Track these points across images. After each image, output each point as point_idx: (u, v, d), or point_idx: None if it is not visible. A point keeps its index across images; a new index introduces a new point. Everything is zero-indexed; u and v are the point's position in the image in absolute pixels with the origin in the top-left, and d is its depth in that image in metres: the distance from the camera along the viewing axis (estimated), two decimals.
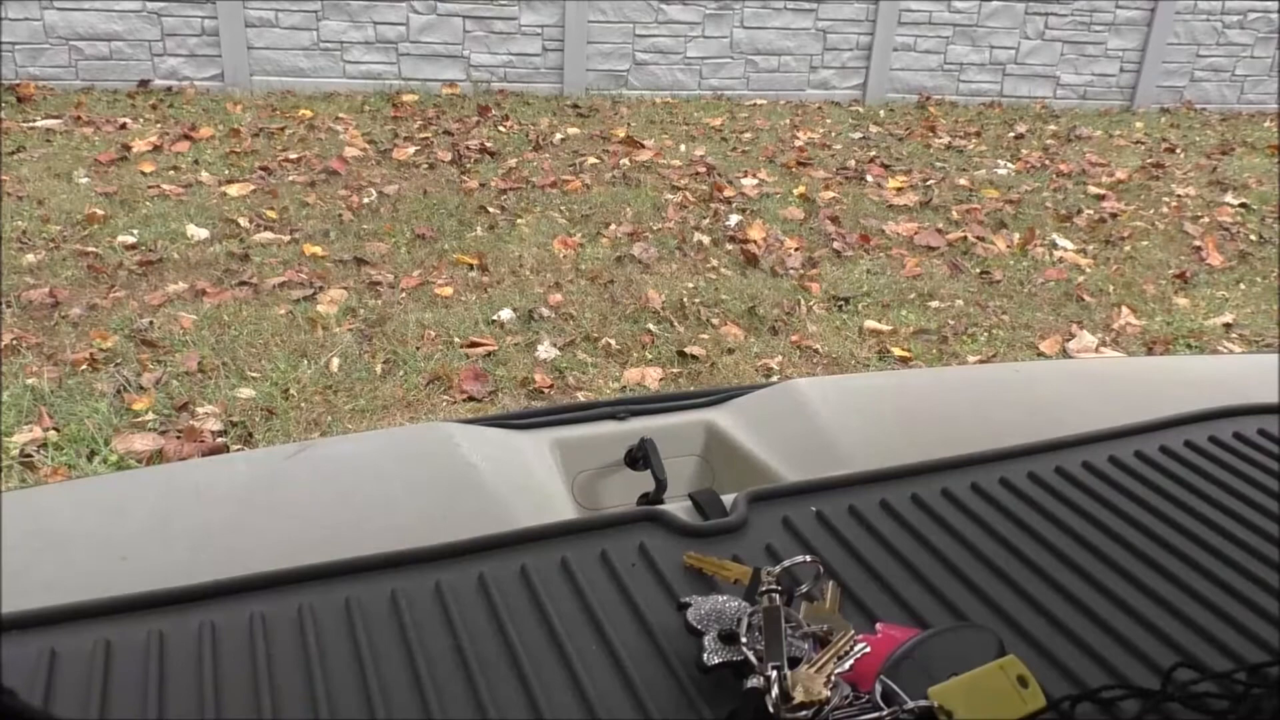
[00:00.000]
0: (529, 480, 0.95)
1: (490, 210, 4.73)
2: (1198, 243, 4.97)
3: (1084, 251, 4.79)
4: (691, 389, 3.25)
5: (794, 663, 0.59)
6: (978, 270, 4.46)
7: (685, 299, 3.88)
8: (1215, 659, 0.65)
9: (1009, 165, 6.20)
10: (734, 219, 4.81)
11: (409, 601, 0.68)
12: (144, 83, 6.42)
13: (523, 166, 5.41)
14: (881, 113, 7.42)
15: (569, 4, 6.88)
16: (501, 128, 6.15)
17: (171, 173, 4.96)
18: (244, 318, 3.51)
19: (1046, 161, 6.33)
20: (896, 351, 3.64)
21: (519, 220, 4.64)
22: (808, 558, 0.70)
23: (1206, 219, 5.36)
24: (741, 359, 3.50)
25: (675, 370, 3.39)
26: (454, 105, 6.60)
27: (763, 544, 0.76)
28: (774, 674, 0.58)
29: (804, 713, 0.57)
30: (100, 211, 4.33)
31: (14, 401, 2.88)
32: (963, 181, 5.76)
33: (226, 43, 6.44)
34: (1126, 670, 0.63)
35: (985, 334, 3.85)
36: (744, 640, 0.61)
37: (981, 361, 3.61)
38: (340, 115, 6.15)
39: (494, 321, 3.62)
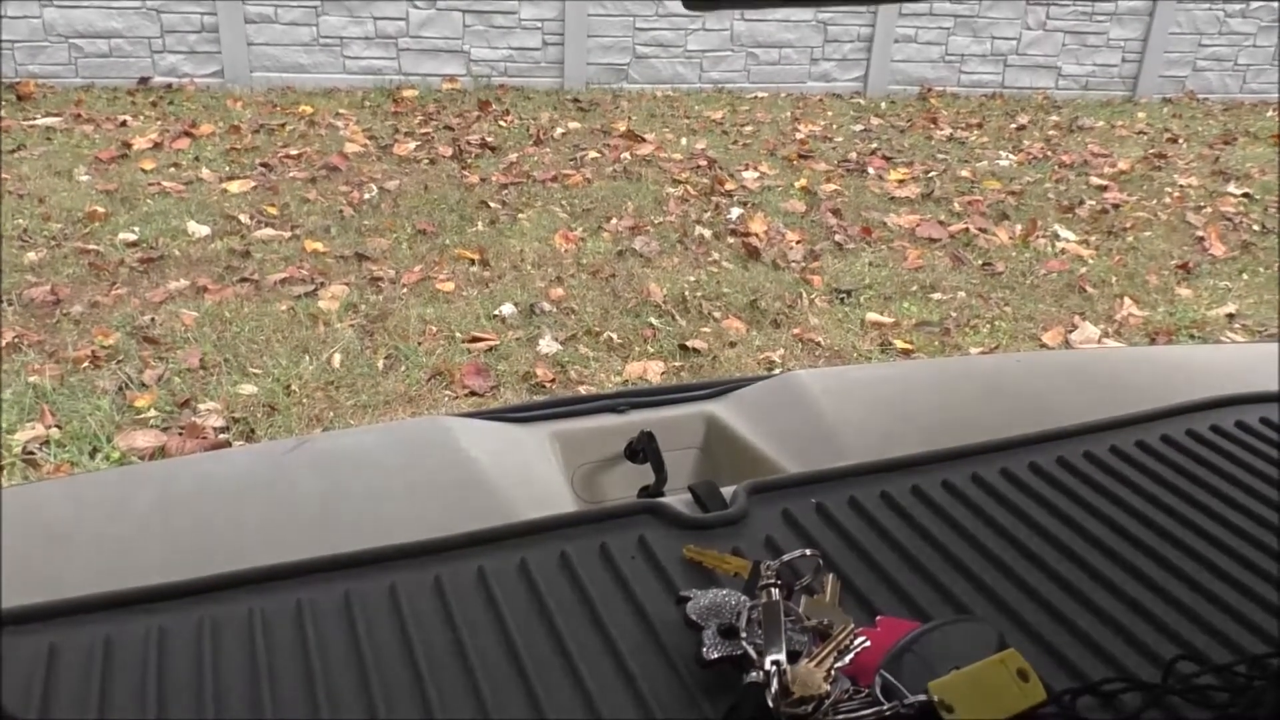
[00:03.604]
0: (528, 473, 0.95)
1: (491, 205, 4.73)
2: (1200, 233, 4.96)
3: (1086, 242, 4.78)
4: (692, 381, 3.24)
5: (794, 657, 0.59)
6: (980, 262, 4.46)
7: (687, 292, 3.88)
8: (1217, 651, 0.64)
9: (1011, 156, 6.19)
10: (735, 212, 4.81)
11: (408, 596, 0.68)
12: (144, 80, 6.41)
13: (524, 161, 5.40)
14: (883, 105, 7.41)
15: None
16: (502, 122, 6.14)
17: (172, 170, 4.96)
18: (245, 314, 3.51)
19: (1048, 152, 6.32)
20: (899, 344, 3.63)
21: (520, 215, 4.63)
22: (808, 551, 0.70)
23: (1209, 209, 5.34)
24: (744, 352, 3.49)
25: (677, 364, 3.39)
26: (454, 100, 6.59)
27: (763, 536, 0.75)
28: (773, 669, 0.58)
29: (804, 708, 0.56)
30: (101, 209, 4.33)
31: (16, 399, 2.88)
32: (964, 173, 5.75)
33: (226, 39, 6.44)
34: (1128, 663, 0.63)
35: (988, 326, 3.84)
36: (744, 634, 0.61)
37: (983, 353, 3.61)
38: (340, 111, 6.14)
39: (495, 316, 3.62)
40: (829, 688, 0.57)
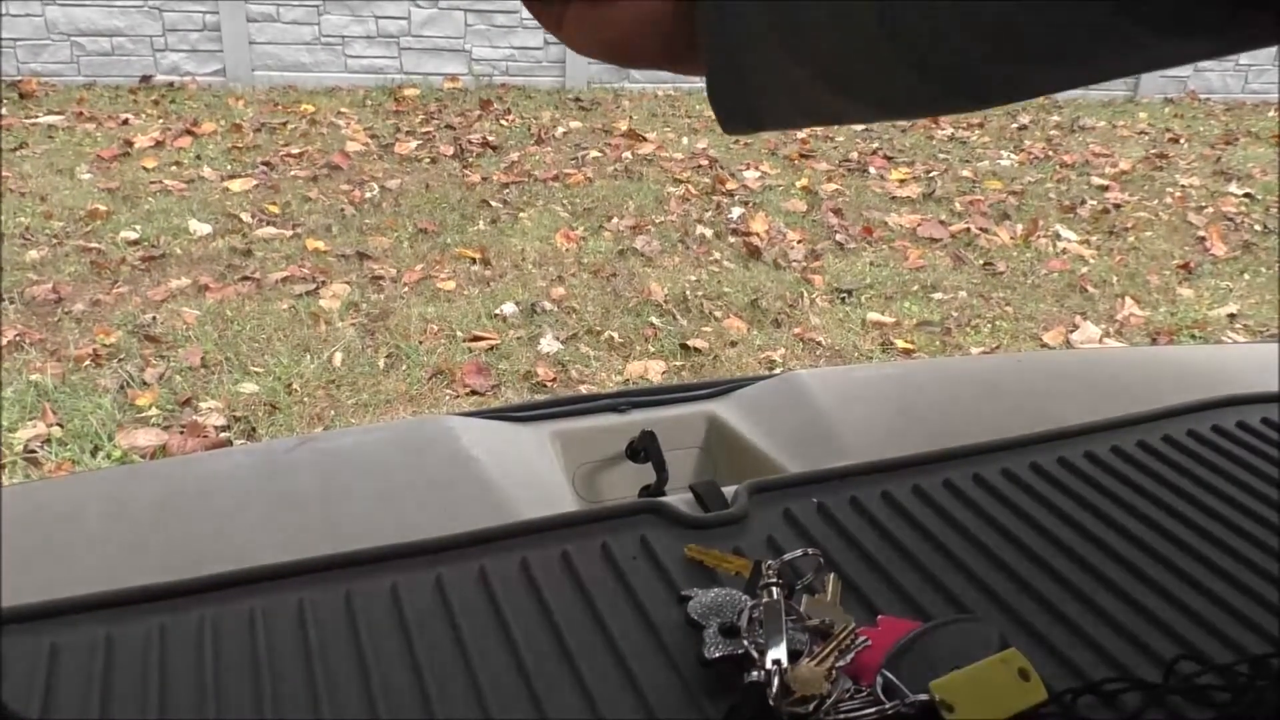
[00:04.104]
0: (529, 473, 0.95)
1: (492, 204, 4.73)
2: (1202, 233, 4.96)
3: (1087, 242, 4.78)
4: (693, 381, 3.24)
5: (795, 656, 0.59)
6: (981, 262, 4.46)
7: (688, 292, 3.88)
8: (1218, 650, 0.64)
9: (1012, 156, 6.19)
10: (736, 211, 4.81)
11: (409, 595, 0.68)
12: (146, 78, 6.42)
13: (525, 160, 5.40)
14: None
15: None
16: (503, 121, 6.14)
17: (174, 168, 4.96)
18: (246, 313, 3.51)
19: (1050, 152, 6.32)
20: (900, 344, 3.63)
21: (521, 214, 4.63)
22: (809, 551, 0.70)
23: (1210, 209, 5.34)
24: (744, 351, 3.49)
25: (678, 363, 3.39)
26: (456, 99, 6.60)
27: (764, 535, 0.75)
28: (774, 668, 0.58)
29: (805, 707, 0.56)
30: (103, 207, 4.33)
31: (18, 397, 2.89)
32: (966, 173, 5.75)
33: (228, 38, 6.44)
34: (1128, 662, 0.63)
35: (989, 326, 3.84)
36: (745, 634, 0.61)
37: (984, 353, 3.61)
38: (342, 110, 6.15)
39: (497, 315, 3.62)
40: (830, 687, 0.57)
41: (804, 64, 0.52)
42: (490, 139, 5.69)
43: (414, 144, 5.52)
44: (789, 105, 0.56)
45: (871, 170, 5.66)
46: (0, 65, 6.13)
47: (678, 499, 0.81)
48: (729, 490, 0.82)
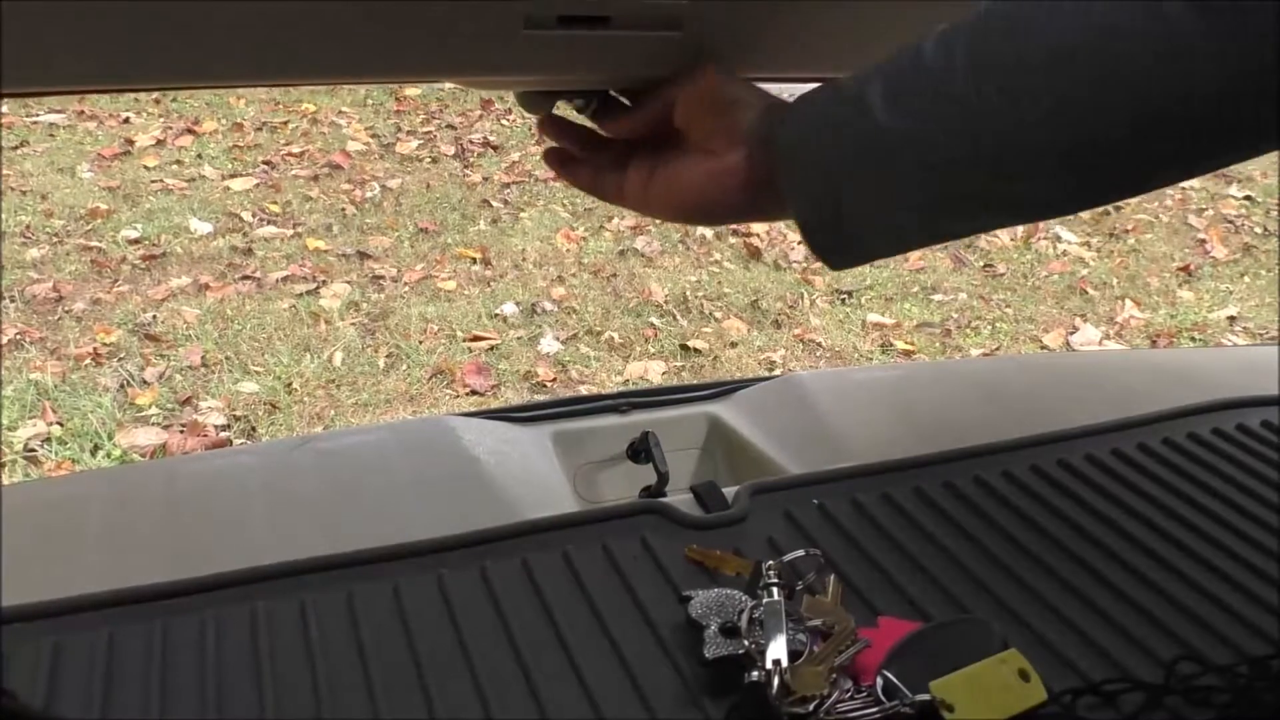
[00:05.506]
0: (530, 473, 0.95)
1: (493, 204, 4.73)
2: (1202, 235, 4.96)
3: (1088, 244, 4.78)
4: (693, 382, 3.24)
5: (795, 656, 0.59)
6: (981, 263, 4.46)
7: (688, 292, 3.88)
8: (1218, 652, 0.65)
9: None
10: None
11: (410, 595, 0.68)
12: None
13: (526, 160, 5.40)
14: None
15: None
16: (504, 121, 6.14)
17: (174, 167, 4.96)
18: (247, 312, 3.52)
19: None
20: (899, 345, 3.64)
21: (522, 214, 4.63)
22: (809, 551, 0.70)
23: (1211, 211, 5.34)
24: (744, 352, 3.49)
25: (678, 364, 3.39)
26: (457, 99, 6.60)
27: (764, 536, 0.76)
28: (775, 668, 0.58)
29: (805, 707, 0.57)
30: (103, 206, 4.33)
31: (18, 396, 2.89)
32: None
33: None
34: (1128, 663, 0.63)
35: (989, 327, 3.85)
36: (745, 634, 0.61)
37: (984, 355, 3.61)
38: (343, 109, 6.15)
39: (497, 315, 3.62)
40: (830, 687, 0.57)
41: (923, 191, 0.52)
42: (491, 138, 5.69)
43: (415, 143, 5.52)
44: (898, 235, 0.55)
45: None
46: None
47: (678, 500, 0.82)
48: (729, 491, 0.82)
